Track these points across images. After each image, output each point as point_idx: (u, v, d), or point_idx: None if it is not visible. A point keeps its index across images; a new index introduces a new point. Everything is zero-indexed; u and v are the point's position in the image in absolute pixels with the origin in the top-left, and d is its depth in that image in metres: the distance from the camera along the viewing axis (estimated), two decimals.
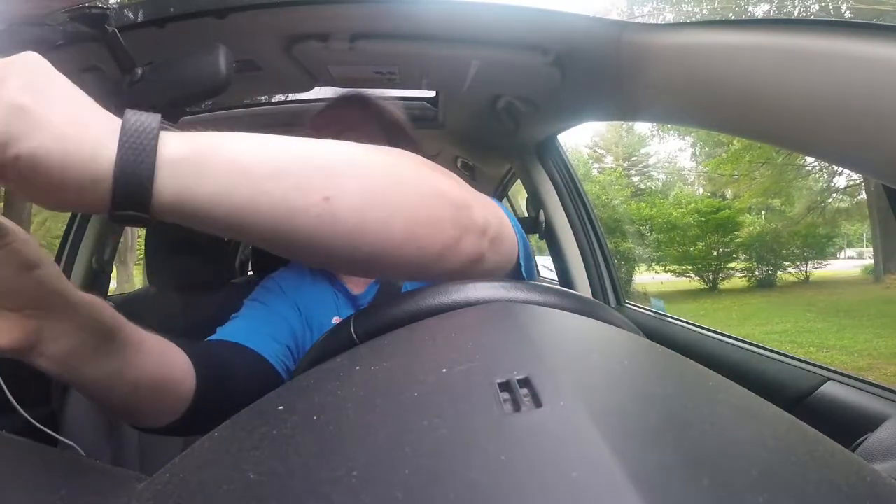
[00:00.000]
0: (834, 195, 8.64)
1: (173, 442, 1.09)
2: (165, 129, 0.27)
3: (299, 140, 0.30)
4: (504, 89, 0.99)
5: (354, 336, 0.39)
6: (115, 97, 0.54)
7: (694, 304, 7.42)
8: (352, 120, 0.69)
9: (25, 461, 0.29)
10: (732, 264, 8.37)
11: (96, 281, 1.35)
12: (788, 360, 0.74)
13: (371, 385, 0.25)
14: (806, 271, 8.01)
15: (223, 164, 0.27)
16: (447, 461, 0.18)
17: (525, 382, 0.22)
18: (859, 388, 0.62)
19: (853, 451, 0.30)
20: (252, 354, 0.56)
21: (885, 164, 0.44)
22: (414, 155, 0.36)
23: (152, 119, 0.27)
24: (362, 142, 0.51)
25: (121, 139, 0.26)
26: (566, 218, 1.24)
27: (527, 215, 1.42)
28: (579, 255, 1.22)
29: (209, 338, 0.60)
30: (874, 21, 0.41)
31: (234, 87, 0.52)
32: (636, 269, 8.85)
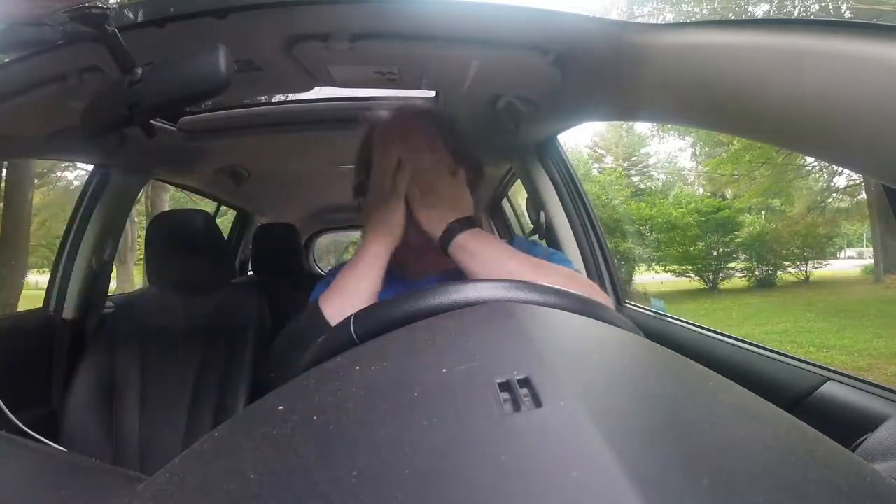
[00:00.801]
0: (834, 195, 8.63)
1: (173, 442, 1.09)
2: (470, 230, 0.66)
3: (519, 262, 0.63)
4: (504, 89, 0.99)
5: (354, 336, 0.39)
6: (115, 97, 0.54)
7: (694, 304, 7.42)
8: (425, 138, 0.73)
9: (26, 461, 0.29)
10: (732, 264, 8.36)
11: (96, 281, 1.35)
12: (788, 360, 0.74)
13: (371, 385, 0.25)
14: (806, 271, 8.00)
15: (481, 257, 0.63)
16: (447, 461, 0.18)
17: (525, 382, 0.22)
18: (859, 388, 0.61)
19: (853, 451, 0.30)
20: None
21: (885, 164, 0.44)
22: (572, 278, 0.64)
23: (457, 229, 0.65)
24: (432, 158, 0.73)
25: (442, 235, 0.65)
26: (566, 218, 1.24)
27: (527, 215, 1.42)
28: (579, 256, 1.22)
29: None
30: (874, 21, 0.41)
31: (234, 87, 0.52)
32: (636, 268, 8.85)
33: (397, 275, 0.74)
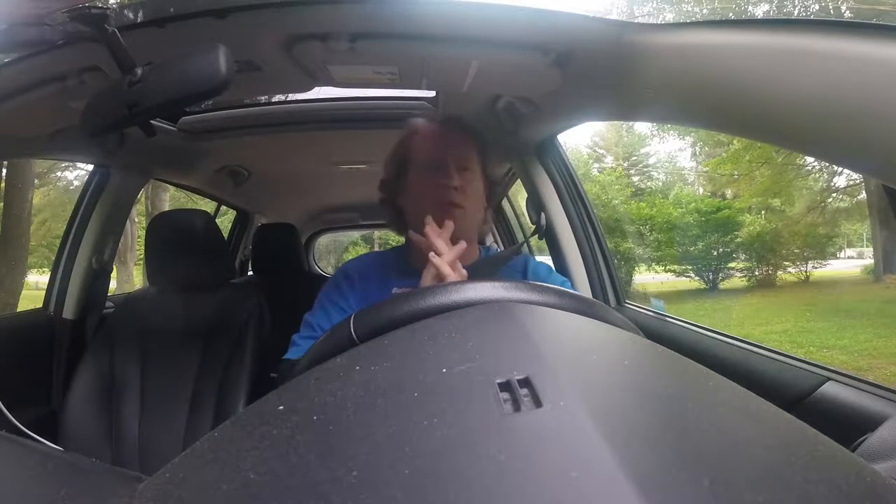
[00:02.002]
0: (834, 195, 8.63)
1: (173, 442, 1.09)
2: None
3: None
4: (504, 89, 0.99)
5: (354, 336, 0.39)
6: (115, 97, 0.54)
7: (694, 304, 7.41)
8: (460, 149, 0.80)
9: (26, 461, 0.29)
10: (732, 264, 8.36)
11: (96, 281, 1.35)
12: (788, 360, 0.74)
13: (371, 385, 0.25)
14: (806, 271, 8.00)
15: None
16: (447, 461, 0.18)
17: (525, 382, 0.22)
18: (859, 388, 0.61)
19: (853, 451, 0.30)
20: None
21: (885, 164, 0.44)
22: None
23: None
24: (463, 173, 0.79)
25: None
26: (566, 218, 1.24)
27: (527, 215, 1.42)
28: (579, 255, 1.22)
29: (290, 356, 0.73)
30: (874, 21, 0.41)
31: (234, 87, 0.52)
32: (636, 268, 8.84)
33: (414, 268, 0.80)
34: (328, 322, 0.75)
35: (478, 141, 0.83)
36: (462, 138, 0.82)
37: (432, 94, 1.23)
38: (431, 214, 0.76)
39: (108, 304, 1.40)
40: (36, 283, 6.83)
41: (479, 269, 0.77)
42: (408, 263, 0.82)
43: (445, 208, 0.76)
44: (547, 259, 1.33)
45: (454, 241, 0.77)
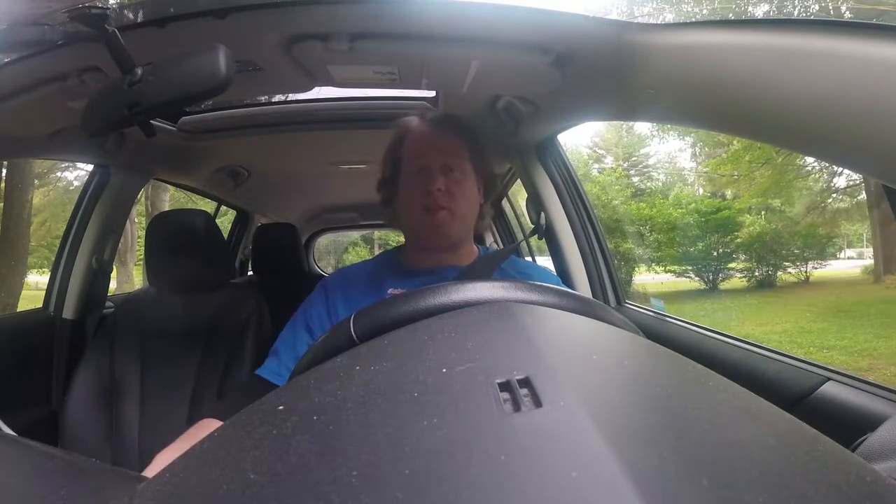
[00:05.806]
0: (834, 195, 8.63)
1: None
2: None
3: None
4: (504, 89, 0.99)
5: (354, 336, 0.39)
6: (115, 97, 0.54)
7: (694, 305, 7.42)
8: (445, 151, 0.79)
9: (25, 461, 0.29)
10: (732, 264, 8.36)
11: (96, 281, 1.35)
12: (788, 360, 0.74)
13: (371, 385, 0.25)
14: (806, 271, 8.00)
15: None
16: (447, 461, 0.18)
17: (525, 382, 0.22)
18: (859, 388, 0.61)
19: (853, 451, 0.30)
20: None
21: (885, 164, 0.44)
22: None
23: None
24: (449, 174, 0.78)
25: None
26: (566, 218, 1.24)
27: (527, 215, 1.42)
28: (579, 255, 1.22)
29: (258, 371, 0.74)
30: (874, 21, 0.41)
31: (234, 87, 0.52)
32: (636, 269, 8.85)
33: (410, 268, 0.81)
34: (291, 345, 0.74)
35: (467, 139, 0.81)
36: (449, 139, 0.80)
37: (432, 94, 1.23)
38: (417, 217, 0.77)
39: (108, 304, 1.40)
40: (36, 283, 6.84)
41: (476, 269, 0.78)
42: (404, 264, 0.82)
43: (429, 211, 0.76)
44: (547, 259, 1.33)
45: (442, 242, 0.78)
